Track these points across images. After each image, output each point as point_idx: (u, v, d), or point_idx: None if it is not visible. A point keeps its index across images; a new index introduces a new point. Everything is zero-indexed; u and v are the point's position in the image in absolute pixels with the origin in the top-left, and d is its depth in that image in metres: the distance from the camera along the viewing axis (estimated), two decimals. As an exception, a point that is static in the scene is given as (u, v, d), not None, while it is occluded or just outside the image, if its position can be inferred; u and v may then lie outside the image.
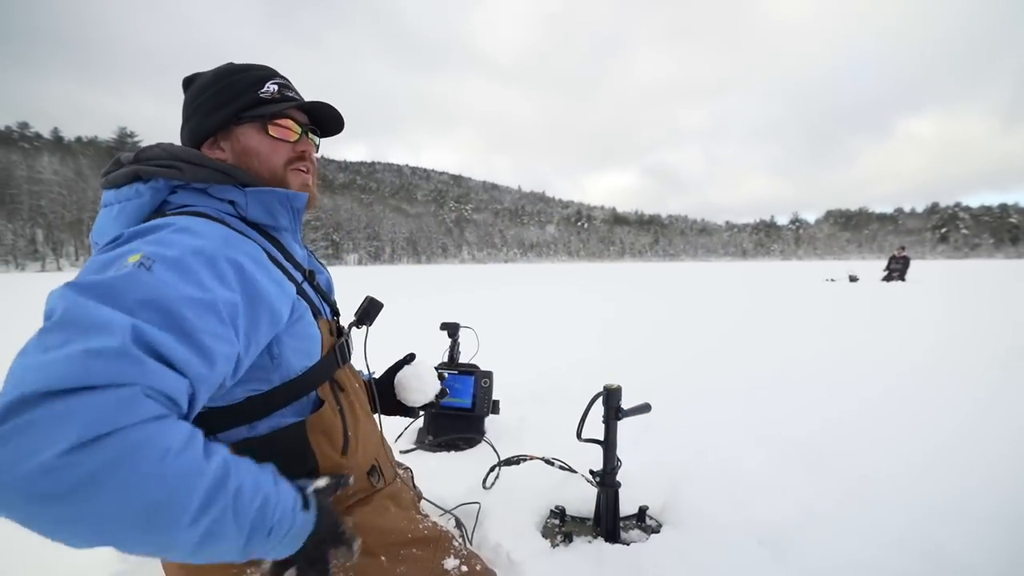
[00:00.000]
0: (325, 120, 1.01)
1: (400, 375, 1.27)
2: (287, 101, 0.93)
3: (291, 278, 0.87)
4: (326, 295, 1.02)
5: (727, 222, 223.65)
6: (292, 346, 0.85)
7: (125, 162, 0.88)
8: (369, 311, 1.13)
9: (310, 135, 0.98)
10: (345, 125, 1.04)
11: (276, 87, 0.93)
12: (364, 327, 1.15)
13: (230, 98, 0.90)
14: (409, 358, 1.30)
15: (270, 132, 0.91)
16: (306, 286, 0.93)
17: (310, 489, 0.75)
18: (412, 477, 1.39)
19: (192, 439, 0.59)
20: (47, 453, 0.48)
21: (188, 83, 0.96)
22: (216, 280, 0.70)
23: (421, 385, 1.25)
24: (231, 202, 0.87)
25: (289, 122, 0.93)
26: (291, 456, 0.83)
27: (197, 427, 0.62)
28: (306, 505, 0.72)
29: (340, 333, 1.01)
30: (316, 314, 0.92)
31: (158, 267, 0.65)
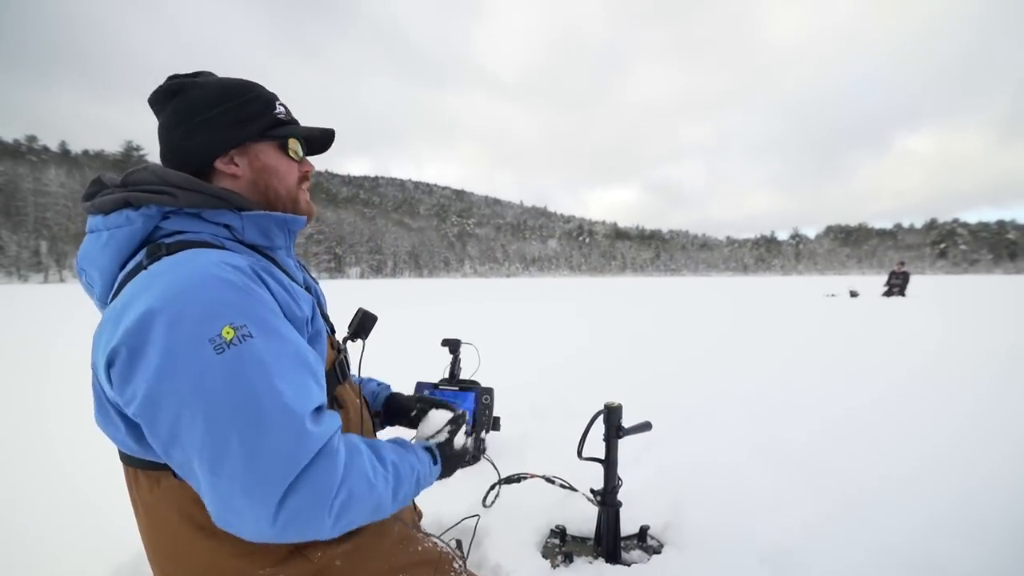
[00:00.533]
0: (313, 139, 1.04)
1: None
2: (295, 123, 0.97)
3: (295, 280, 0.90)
4: (323, 310, 1.02)
5: (728, 237, 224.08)
6: None
7: (109, 184, 0.86)
8: (364, 324, 1.12)
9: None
10: (332, 143, 1.07)
11: (284, 108, 0.96)
12: (360, 340, 1.14)
13: (253, 116, 0.90)
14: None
15: (288, 152, 0.95)
16: None
17: (434, 446, 0.99)
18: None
19: (369, 454, 0.80)
20: (324, 511, 0.70)
21: (174, 93, 0.89)
22: (281, 310, 0.79)
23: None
24: (226, 226, 0.86)
25: (298, 143, 0.97)
26: None
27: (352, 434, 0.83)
28: (435, 459, 0.96)
29: (339, 348, 1.02)
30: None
31: (256, 332, 0.71)
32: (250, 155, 0.91)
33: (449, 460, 1.01)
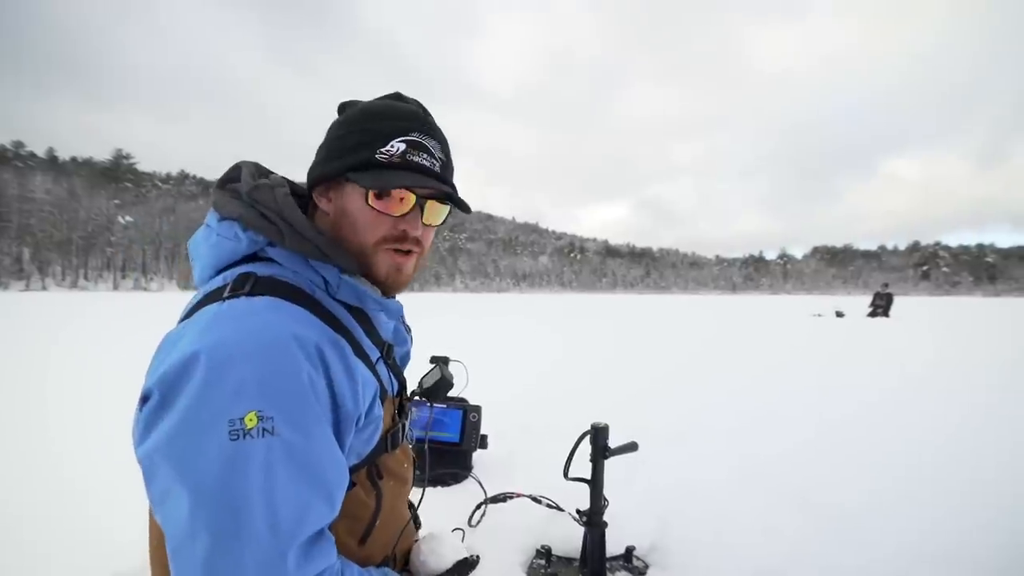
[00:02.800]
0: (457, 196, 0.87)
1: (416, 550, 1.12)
2: (405, 168, 0.79)
3: (370, 364, 0.82)
4: (399, 371, 0.95)
5: (717, 256, 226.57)
6: (356, 449, 0.81)
7: (243, 183, 0.82)
8: (439, 389, 1.06)
9: (425, 208, 0.82)
10: (471, 211, 0.93)
11: (403, 146, 0.78)
12: (430, 403, 1.08)
13: (347, 150, 0.80)
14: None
15: (369, 202, 0.79)
16: (380, 365, 0.86)
17: None
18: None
19: None
20: None
21: (341, 109, 0.87)
22: (333, 401, 0.72)
23: (438, 559, 1.11)
24: (324, 278, 0.81)
25: (401, 193, 0.79)
26: None
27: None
28: None
29: (402, 412, 0.94)
30: (383, 397, 0.85)
31: (281, 429, 0.63)
32: (341, 193, 0.82)
33: None
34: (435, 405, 2.32)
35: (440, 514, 1.84)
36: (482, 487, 2.06)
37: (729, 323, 12.77)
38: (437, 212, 0.86)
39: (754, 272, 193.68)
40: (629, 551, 1.63)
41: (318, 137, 0.90)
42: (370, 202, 0.79)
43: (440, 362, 2.46)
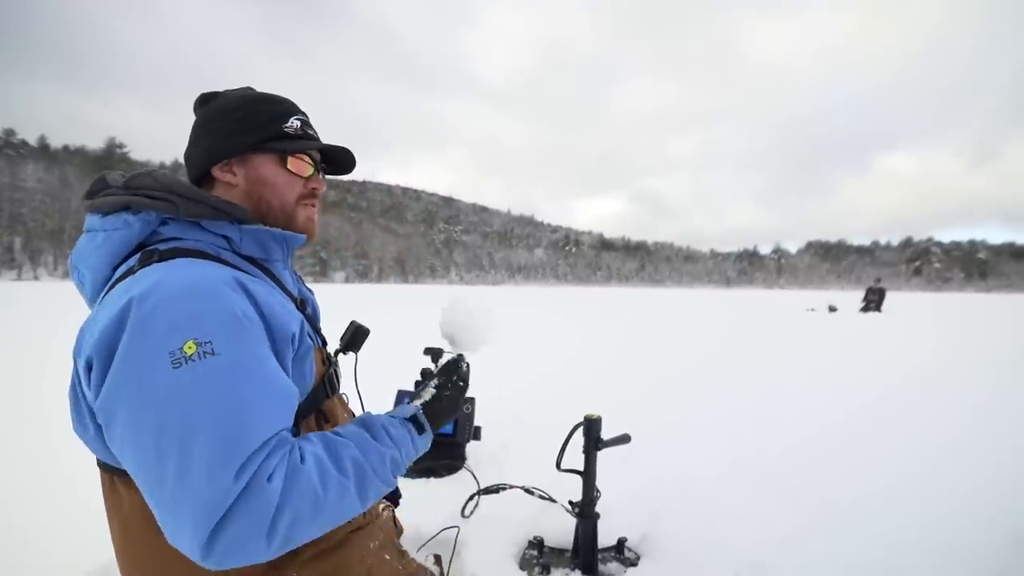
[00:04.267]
0: (336, 159, 1.02)
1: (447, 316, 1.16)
2: (307, 139, 0.95)
3: (288, 294, 0.89)
4: (314, 323, 1.01)
5: (712, 250, 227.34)
6: (295, 378, 0.83)
7: (113, 184, 0.86)
8: (356, 338, 1.11)
9: (320, 172, 1.00)
10: (355, 166, 1.05)
11: (299, 123, 0.94)
12: (352, 354, 1.13)
13: (256, 126, 0.90)
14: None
15: (288, 166, 0.92)
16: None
17: (420, 414, 0.90)
18: (394, 511, 1.36)
19: (320, 464, 0.72)
20: (259, 540, 0.65)
21: (206, 100, 0.95)
22: (267, 324, 0.77)
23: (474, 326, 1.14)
24: (225, 237, 0.86)
25: (306, 158, 0.95)
26: None
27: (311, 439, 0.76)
28: (420, 427, 0.88)
29: (330, 362, 1.00)
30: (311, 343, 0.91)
31: (221, 349, 0.68)
32: (248, 165, 0.91)
33: (438, 418, 0.94)
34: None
35: (434, 506, 1.85)
36: (475, 478, 2.07)
37: (723, 318, 12.83)
38: (323, 173, 1.03)
39: (748, 266, 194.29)
40: (621, 542, 1.64)
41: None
42: (289, 166, 0.92)
43: (432, 353, 2.45)
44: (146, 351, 0.66)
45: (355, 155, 1.03)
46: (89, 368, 0.70)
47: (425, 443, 0.90)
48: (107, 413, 0.68)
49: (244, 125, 0.90)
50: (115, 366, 0.67)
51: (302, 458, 0.71)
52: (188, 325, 0.67)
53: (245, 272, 0.83)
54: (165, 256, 0.77)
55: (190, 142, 0.94)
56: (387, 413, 0.90)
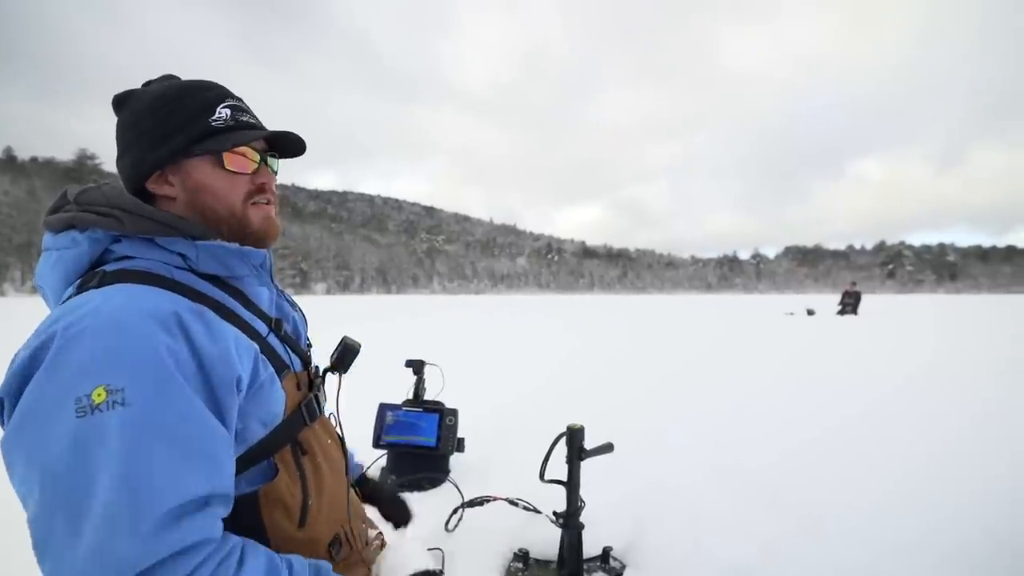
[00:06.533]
0: (284, 143, 0.91)
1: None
2: (241, 127, 0.83)
3: (252, 334, 0.80)
4: (295, 344, 0.93)
5: (692, 256, 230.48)
6: (256, 416, 0.78)
7: (69, 194, 0.81)
8: (344, 356, 1.02)
9: (268, 161, 0.88)
10: (307, 148, 0.94)
11: (228, 111, 0.82)
12: (338, 374, 1.04)
13: (176, 128, 0.79)
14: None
15: (226, 166, 0.81)
16: (271, 339, 0.84)
17: None
18: (382, 538, 1.27)
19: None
20: None
21: (120, 102, 0.83)
22: (203, 369, 0.69)
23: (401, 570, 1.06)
24: (180, 254, 0.78)
25: (246, 150, 0.83)
26: (244, 531, 0.74)
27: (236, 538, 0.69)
28: None
29: (311, 386, 0.92)
30: (281, 369, 0.84)
31: (133, 399, 0.60)
32: (182, 172, 0.81)
33: None
34: (410, 409, 2.30)
35: (417, 519, 1.82)
36: (459, 491, 2.05)
37: (705, 324, 12.99)
38: (274, 162, 0.90)
39: (728, 272, 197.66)
40: (606, 552, 1.64)
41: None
42: (227, 166, 0.81)
43: (414, 365, 2.43)
44: (52, 394, 0.60)
45: (303, 138, 0.92)
46: (2, 402, 0.65)
47: None
48: (8, 453, 0.62)
49: (165, 128, 0.79)
50: (21, 404, 0.61)
51: (240, 564, 0.64)
52: (101, 369, 0.61)
53: (200, 294, 0.76)
54: (107, 280, 0.71)
55: (117, 153, 0.83)
56: None
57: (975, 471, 2.44)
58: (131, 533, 0.56)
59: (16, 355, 0.66)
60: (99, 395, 0.60)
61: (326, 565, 0.79)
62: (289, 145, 0.91)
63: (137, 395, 0.61)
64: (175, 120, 0.79)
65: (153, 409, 0.62)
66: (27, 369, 0.63)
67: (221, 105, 0.82)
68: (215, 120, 0.80)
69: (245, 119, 0.84)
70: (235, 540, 0.68)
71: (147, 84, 0.86)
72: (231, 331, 0.76)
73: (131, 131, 0.81)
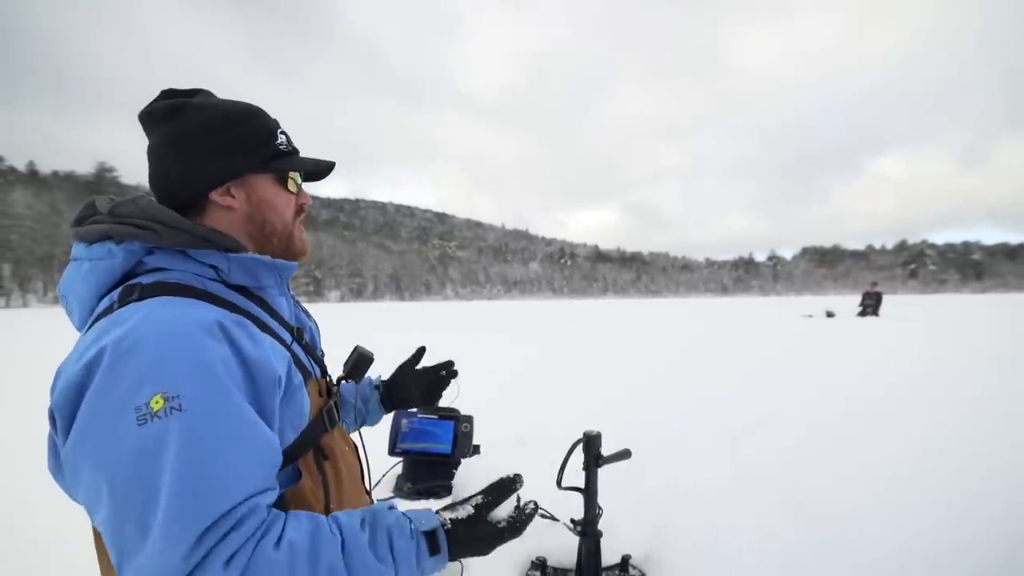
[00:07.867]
0: (316, 169, 0.99)
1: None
2: (296, 154, 0.93)
3: (281, 342, 0.82)
4: (313, 352, 0.95)
5: (707, 259, 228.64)
6: (288, 420, 0.79)
7: (101, 211, 0.82)
8: (358, 366, 1.05)
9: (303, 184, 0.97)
10: (331, 173, 1.02)
11: (285, 137, 0.91)
12: (353, 383, 1.07)
13: (255, 145, 0.86)
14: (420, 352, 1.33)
15: (288, 186, 0.91)
16: (295, 347, 0.87)
17: (441, 533, 0.74)
18: None
19: (291, 561, 0.64)
20: None
21: (176, 110, 0.84)
22: (250, 372, 0.72)
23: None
24: (212, 266, 0.81)
25: (296, 174, 0.92)
26: None
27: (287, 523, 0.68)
28: (435, 547, 0.73)
29: (330, 393, 0.95)
30: (307, 376, 0.86)
31: (189, 405, 0.63)
32: (247, 187, 0.86)
33: (463, 548, 0.76)
34: (425, 416, 2.29)
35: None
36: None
37: (721, 327, 12.83)
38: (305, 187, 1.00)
39: (744, 274, 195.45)
40: (625, 560, 1.61)
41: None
42: (290, 187, 0.91)
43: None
44: (111, 405, 0.63)
45: (337, 166, 1.01)
46: (52, 415, 0.67)
47: (435, 567, 0.74)
48: (72, 466, 0.64)
49: (243, 145, 0.85)
50: (80, 417, 0.63)
51: (278, 541, 0.65)
52: (157, 377, 0.63)
53: (234, 305, 0.79)
54: (146, 293, 0.73)
55: (160, 161, 0.84)
56: (405, 513, 0.77)
57: (1002, 473, 2.37)
58: (186, 535, 0.59)
59: (62, 370, 0.68)
60: (157, 402, 0.62)
61: (381, 508, 0.76)
62: (319, 171, 0.99)
63: (192, 400, 0.64)
64: (254, 137, 0.87)
65: (208, 412, 0.65)
66: (81, 383, 0.64)
67: (278, 130, 0.91)
68: (280, 145, 0.90)
69: (295, 146, 0.94)
70: (268, 516, 0.69)
71: (176, 94, 0.87)
72: (267, 339, 0.79)
73: (202, 141, 0.84)
